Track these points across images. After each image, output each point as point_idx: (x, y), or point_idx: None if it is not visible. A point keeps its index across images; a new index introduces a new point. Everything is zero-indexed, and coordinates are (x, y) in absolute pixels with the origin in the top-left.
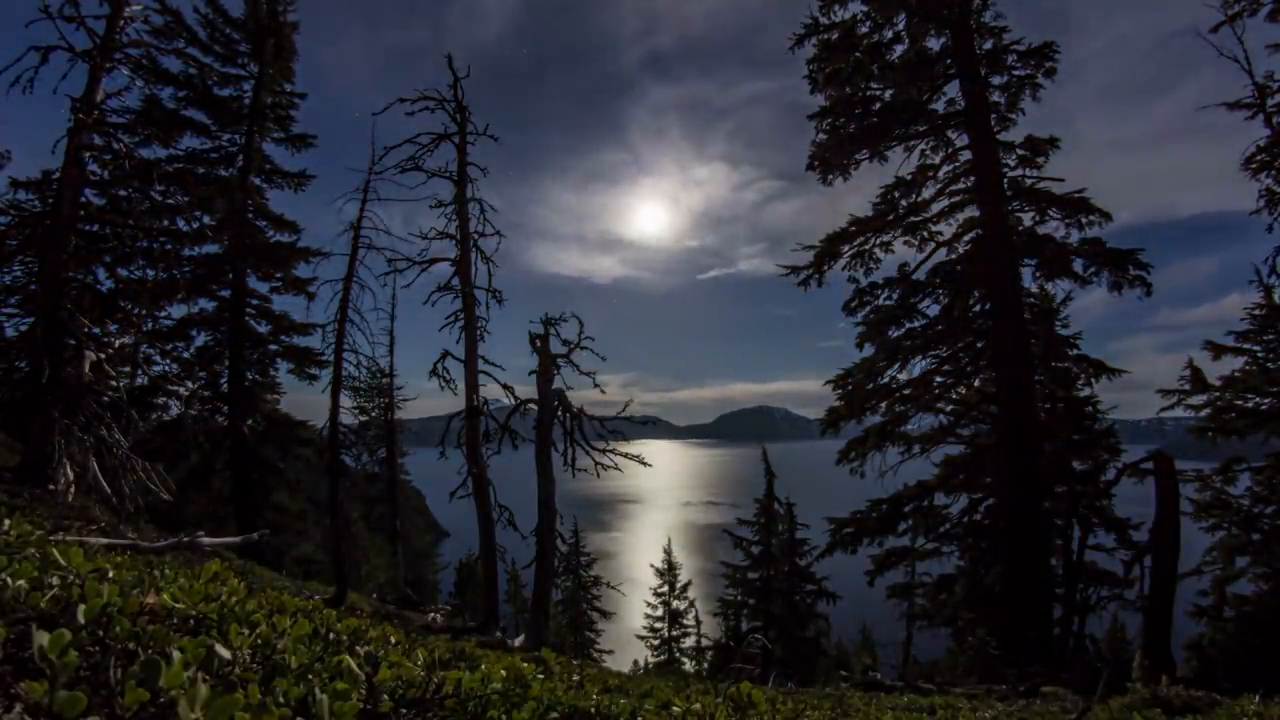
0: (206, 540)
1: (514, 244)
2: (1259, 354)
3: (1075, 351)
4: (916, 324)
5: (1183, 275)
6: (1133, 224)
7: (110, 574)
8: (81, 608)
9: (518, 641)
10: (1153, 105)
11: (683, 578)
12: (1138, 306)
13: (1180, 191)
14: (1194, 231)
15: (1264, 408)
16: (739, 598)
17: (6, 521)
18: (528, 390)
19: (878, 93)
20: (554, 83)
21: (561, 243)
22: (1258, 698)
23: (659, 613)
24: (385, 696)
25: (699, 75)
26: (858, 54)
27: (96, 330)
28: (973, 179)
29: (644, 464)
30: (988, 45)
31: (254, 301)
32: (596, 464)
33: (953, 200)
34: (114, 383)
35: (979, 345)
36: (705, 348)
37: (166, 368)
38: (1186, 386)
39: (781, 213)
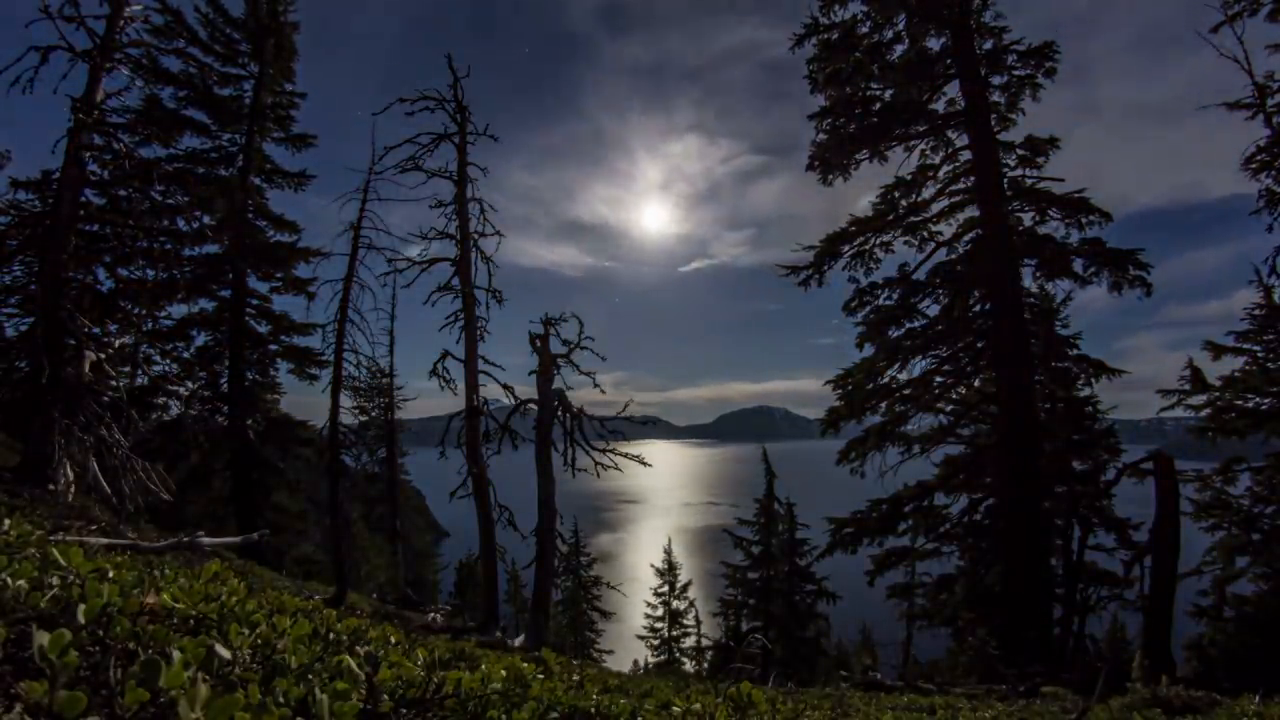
0: (206, 540)
1: (387, 218)
2: (1259, 354)
3: (1075, 351)
4: (916, 324)
5: (1193, 267)
6: (1158, 207)
7: (110, 574)
8: (81, 608)
9: (518, 641)
10: (1181, 62)
11: (683, 578)
12: (1143, 302)
13: (1212, 168)
14: (1224, 215)
15: (1264, 408)
16: (739, 598)
17: (6, 521)
18: (528, 390)
19: (878, 93)
20: (496, 43)
21: (521, 230)
22: (1258, 698)
23: (659, 613)
24: (385, 696)
25: (662, 28)
26: (858, 54)
27: (96, 330)
28: (973, 179)
29: (644, 464)
30: (988, 45)
31: (254, 301)
32: (596, 464)
33: (953, 200)
34: (114, 383)
35: (979, 345)
36: (696, 346)
37: (166, 368)
38: (1186, 386)
39: (766, 194)
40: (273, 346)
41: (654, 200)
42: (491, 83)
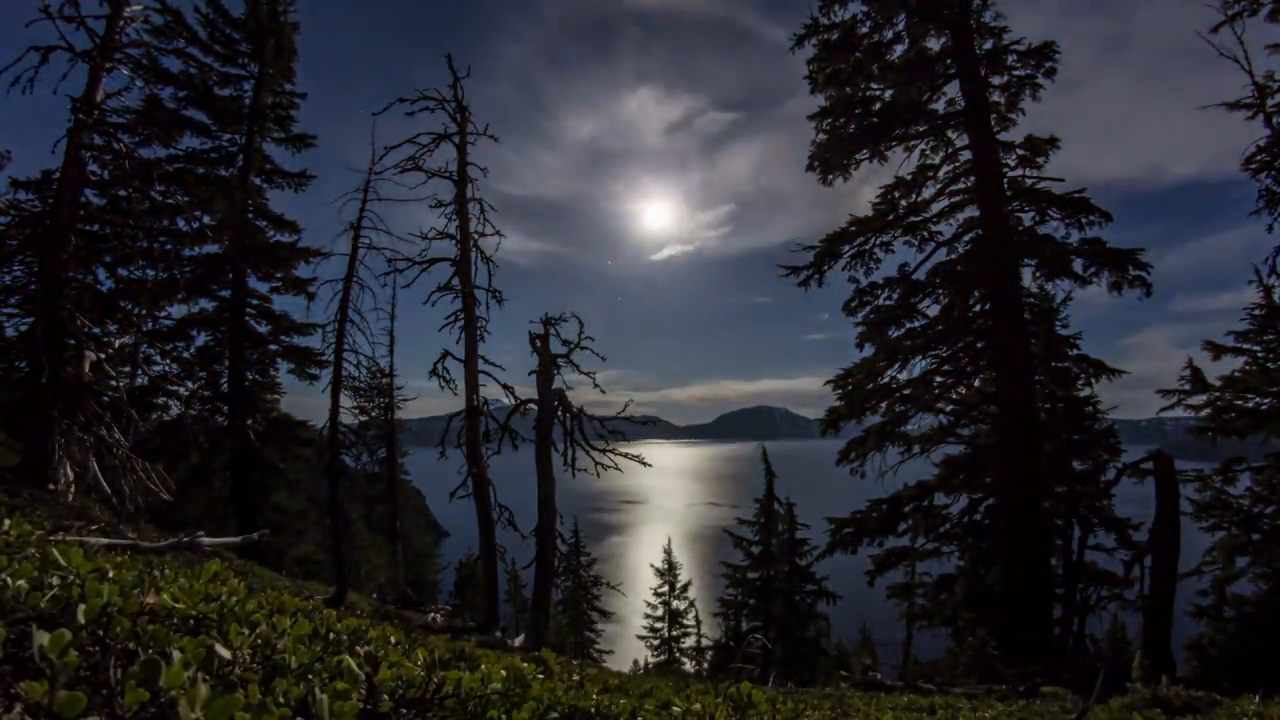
0: (206, 540)
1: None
2: (1259, 354)
3: (1075, 351)
4: (916, 324)
5: (1207, 254)
6: (1191, 178)
7: (110, 574)
8: (81, 608)
9: (518, 641)
10: None
11: (683, 578)
12: (1152, 296)
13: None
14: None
15: (1264, 408)
16: (739, 598)
17: (6, 521)
18: (528, 390)
19: (878, 93)
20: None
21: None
22: (1258, 698)
23: (659, 613)
24: (385, 696)
25: None
26: (858, 54)
27: (96, 330)
28: (973, 179)
29: (644, 464)
30: (988, 45)
31: (254, 301)
32: (596, 464)
33: (953, 200)
34: (114, 383)
35: (979, 345)
36: (684, 344)
37: (166, 368)
38: (1186, 386)
39: (740, 162)
40: (273, 346)
41: (608, 172)
42: (393, 35)
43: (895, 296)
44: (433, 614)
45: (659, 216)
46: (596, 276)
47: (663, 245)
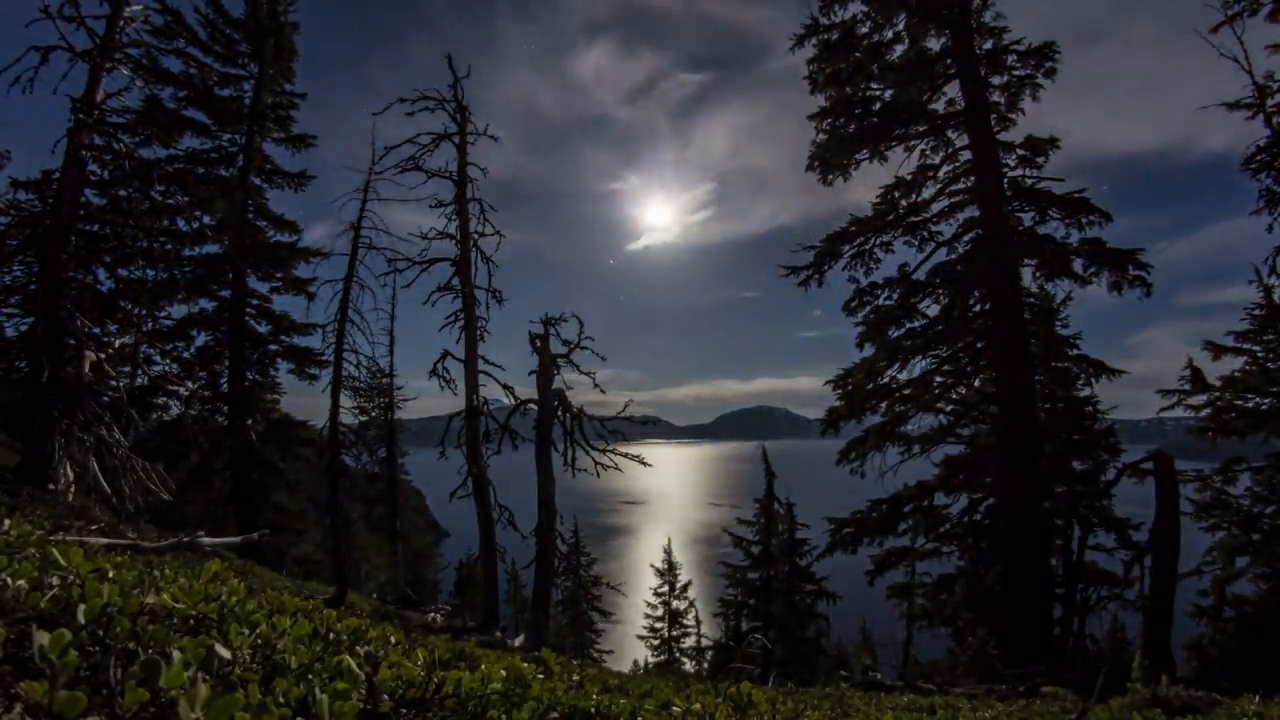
0: (206, 540)
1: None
2: (1259, 354)
3: (1075, 351)
4: (916, 324)
5: (1227, 237)
6: (1224, 151)
7: (110, 574)
8: (81, 608)
9: (518, 641)
10: None
11: (683, 578)
12: (1159, 291)
13: None
14: None
15: (1264, 408)
16: (739, 598)
17: (6, 521)
18: (528, 390)
19: (878, 93)
20: None
21: (383, 193)
22: (1258, 698)
23: (659, 613)
24: (385, 696)
25: None
26: (858, 54)
27: (96, 330)
28: (973, 179)
29: (644, 464)
30: (988, 45)
31: (254, 301)
32: (596, 464)
33: (953, 200)
34: (114, 383)
35: (979, 345)
36: (676, 342)
37: (166, 368)
38: (1186, 386)
39: (716, 133)
40: (273, 346)
41: (564, 148)
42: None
43: (895, 296)
44: (433, 614)
45: (632, 200)
46: (566, 268)
47: (640, 234)
